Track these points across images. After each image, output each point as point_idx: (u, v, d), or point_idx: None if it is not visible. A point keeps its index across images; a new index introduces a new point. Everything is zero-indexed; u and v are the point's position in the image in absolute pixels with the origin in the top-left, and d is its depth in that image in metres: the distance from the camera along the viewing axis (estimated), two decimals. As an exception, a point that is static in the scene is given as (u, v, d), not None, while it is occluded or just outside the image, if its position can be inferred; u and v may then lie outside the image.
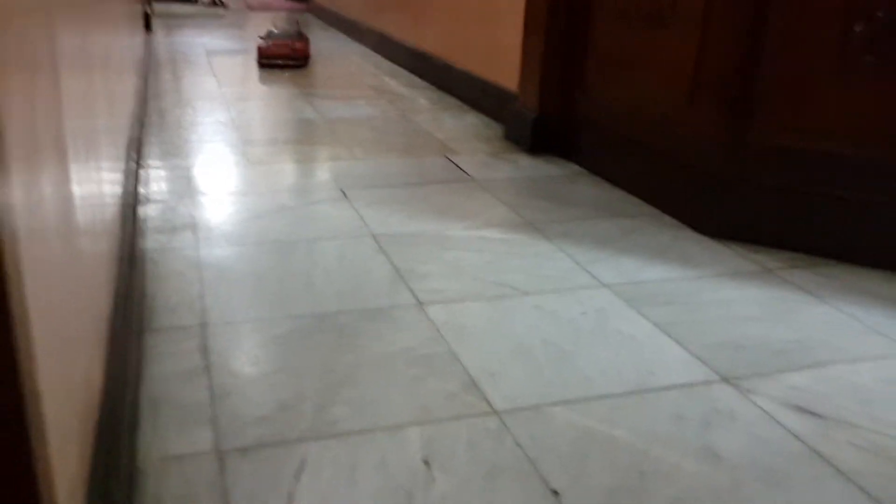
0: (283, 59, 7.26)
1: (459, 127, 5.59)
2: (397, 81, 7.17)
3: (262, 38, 7.46)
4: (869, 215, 3.25)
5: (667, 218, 3.81)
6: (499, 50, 5.54)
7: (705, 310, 2.87)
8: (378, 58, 8.56)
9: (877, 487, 1.95)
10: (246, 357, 2.44)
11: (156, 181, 4.13)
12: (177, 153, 4.67)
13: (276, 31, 7.65)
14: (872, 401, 2.32)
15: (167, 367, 2.34)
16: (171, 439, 2.01)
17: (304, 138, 5.08)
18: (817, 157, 3.31)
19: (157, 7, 11.99)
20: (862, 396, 2.34)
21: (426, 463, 1.95)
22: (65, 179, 1.51)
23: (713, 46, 3.56)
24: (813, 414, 2.24)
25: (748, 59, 3.39)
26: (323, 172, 4.37)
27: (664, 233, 3.64)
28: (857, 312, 2.87)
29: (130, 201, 3.38)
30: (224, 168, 4.45)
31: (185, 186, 4.06)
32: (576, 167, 4.65)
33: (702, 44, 3.62)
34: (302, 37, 7.74)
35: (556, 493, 1.87)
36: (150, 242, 3.27)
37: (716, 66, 3.55)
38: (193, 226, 3.47)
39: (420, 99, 6.46)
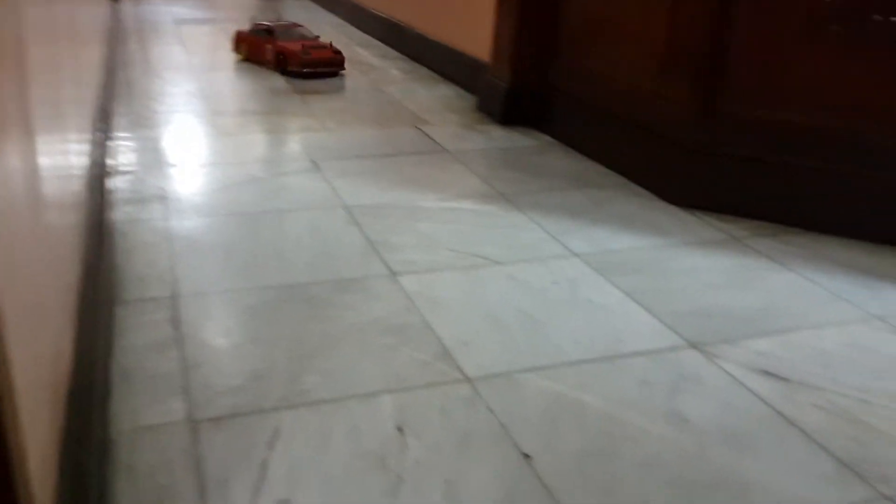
0: (325, 65, 5.85)
1: (432, 98, 5.56)
2: (370, 52, 7.11)
3: (253, 31, 6.20)
4: (834, 184, 3.30)
5: (637, 188, 3.84)
6: (472, 20, 5.50)
7: (673, 278, 2.91)
8: (351, 28, 8.46)
9: (839, 448, 2.01)
10: (217, 328, 2.44)
11: (124, 152, 4.07)
12: (145, 124, 4.60)
13: (268, 22, 6.24)
14: (835, 364, 2.38)
15: (138, 338, 2.33)
16: (143, 410, 2.01)
17: (274, 109, 5.03)
18: (785, 126, 3.35)
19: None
20: (825, 360, 2.40)
21: (399, 430, 1.97)
22: (31, 151, 1.49)
23: (684, 17, 3.57)
24: (778, 378, 2.30)
25: (718, 31, 3.41)
26: (294, 143, 4.33)
27: (634, 202, 3.67)
28: (820, 279, 2.92)
29: (99, 173, 3.34)
30: (193, 139, 4.40)
31: (153, 157, 4.01)
32: (548, 138, 4.66)
33: (673, 14, 3.63)
34: (305, 33, 6.20)
35: (527, 456, 1.90)
36: (119, 214, 3.24)
37: (687, 38, 3.56)
38: (163, 197, 3.44)
39: (392, 70, 6.41)
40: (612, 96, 4.11)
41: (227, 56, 6.55)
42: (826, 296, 2.80)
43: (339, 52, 5.93)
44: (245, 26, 6.52)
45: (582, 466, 1.89)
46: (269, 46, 5.92)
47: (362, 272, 2.82)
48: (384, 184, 3.75)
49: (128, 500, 1.70)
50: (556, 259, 3.01)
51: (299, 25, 6.22)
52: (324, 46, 5.92)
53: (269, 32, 6.00)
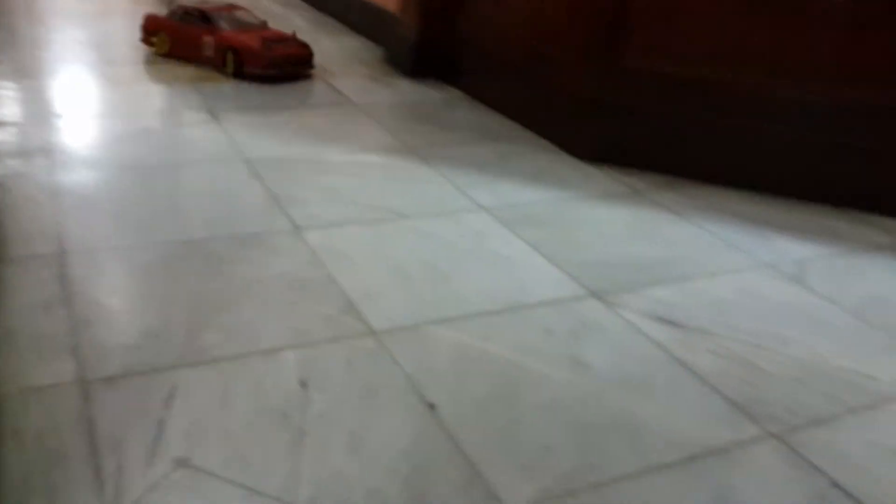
0: (293, 64, 4.59)
1: (338, 49, 5.43)
2: (272, 0, 6.87)
3: (177, 17, 4.72)
4: (732, 137, 3.40)
5: (544, 142, 3.86)
6: (376, -31, 5.38)
7: (577, 230, 2.95)
8: (251, -23, 8.15)
9: (731, 389, 2.09)
10: (109, 285, 2.33)
11: (6, 103, 3.81)
12: (29, 73, 4.31)
13: (194, 3, 4.79)
14: (729, 310, 2.47)
15: (23, 297, 2.20)
16: (29, 371, 1.90)
17: (169, 58, 4.80)
18: (685, 80, 3.41)
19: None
20: (720, 307, 2.49)
21: (303, 384, 1.94)
22: None
23: (587, -31, 3.58)
24: (674, 324, 2.37)
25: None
26: (191, 94, 4.16)
27: (540, 156, 3.69)
28: (717, 230, 3.02)
29: (-24, 124, 3.12)
30: (82, 89, 4.16)
31: (39, 109, 3.77)
32: (457, 92, 4.62)
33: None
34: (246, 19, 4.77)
35: (432, 406, 1.90)
36: (1, 168, 3.04)
37: (590, -9, 3.57)
38: (48, 150, 3.24)
39: (296, 19, 6.21)
40: (519, 50, 4.10)
41: (120, 2, 6.21)
42: (721, 245, 2.90)
43: (305, 45, 4.69)
44: (158, 7, 5.22)
45: (485, 413, 1.90)
46: (207, 39, 4.52)
47: (264, 227, 2.75)
48: (287, 136, 3.65)
49: (15, 465, 1.62)
50: (463, 212, 3.01)
51: (237, 7, 4.82)
52: (285, 38, 4.64)
53: (204, 19, 4.59)
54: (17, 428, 1.72)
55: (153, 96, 4.15)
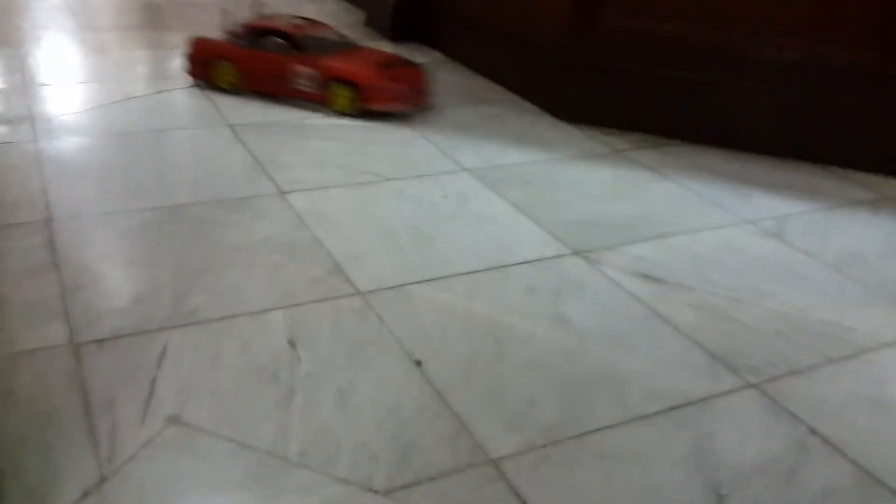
0: (418, 92, 3.69)
1: (320, 13, 5.33)
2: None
3: (248, 40, 3.63)
4: (711, 96, 3.42)
5: (526, 104, 3.87)
6: (357, -69, 5.31)
7: (559, 190, 2.99)
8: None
9: (709, 340, 2.14)
10: (96, 251, 2.35)
11: (-15, 71, 3.79)
12: (8, 41, 4.27)
13: (269, 21, 3.81)
14: (708, 266, 2.52)
15: (11, 264, 2.22)
16: (20, 335, 1.93)
17: (150, 23, 4.76)
18: (664, 39, 3.42)
19: None
20: (699, 262, 2.54)
21: (291, 344, 1.97)
22: None
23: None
24: (655, 280, 2.41)
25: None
26: (173, 60, 4.12)
27: (523, 118, 3.71)
28: (697, 187, 3.06)
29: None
30: (63, 56, 4.13)
31: (19, 77, 3.74)
32: (439, 55, 4.61)
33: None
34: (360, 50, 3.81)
35: (418, 363, 1.94)
36: (-16, 137, 3.04)
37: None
38: (31, 118, 3.23)
39: (276, -16, 6.14)
40: (499, 12, 4.09)
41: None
42: (701, 203, 2.94)
43: (418, 66, 3.78)
44: (206, 28, 4.07)
45: (470, 369, 1.95)
46: (301, 69, 3.53)
47: (249, 191, 2.76)
48: (270, 100, 3.64)
49: (10, 425, 1.65)
50: (447, 174, 3.03)
51: (317, 23, 3.93)
52: (396, 61, 3.80)
53: (291, 43, 3.57)
54: (9, 389, 1.75)
55: (134, 63, 4.12)
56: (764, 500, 1.67)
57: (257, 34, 3.60)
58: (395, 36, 4.82)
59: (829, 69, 3.17)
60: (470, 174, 3.03)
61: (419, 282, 2.30)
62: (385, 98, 3.50)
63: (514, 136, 3.45)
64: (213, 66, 3.64)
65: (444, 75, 4.28)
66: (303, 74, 3.50)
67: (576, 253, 2.52)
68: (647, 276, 2.43)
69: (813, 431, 1.85)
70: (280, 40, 3.57)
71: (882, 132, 3.20)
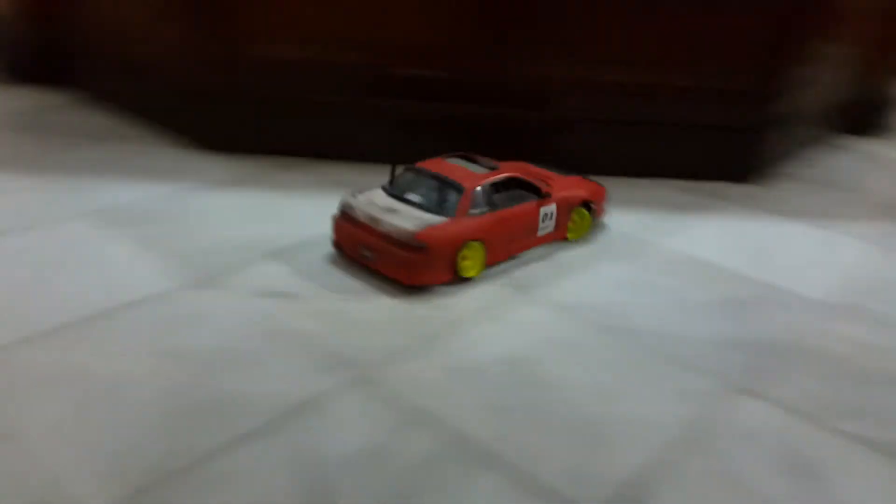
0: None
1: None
2: None
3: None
4: (327, 113, 3.58)
5: (163, 137, 3.81)
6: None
7: (191, 220, 2.97)
8: None
9: (318, 345, 2.25)
10: None
11: None
12: None
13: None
14: (317, 275, 2.64)
15: None
16: None
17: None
18: (286, 64, 3.53)
19: None
20: (316, 271, 2.66)
21: None
22: None
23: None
24: (276, 295, 2.49)
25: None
26: None
27: (160, 152, 3.64)
28: (325, 200, 3.17)
29: None
30: None
31: None
32: (76, 93, 4.38)
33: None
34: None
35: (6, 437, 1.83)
36: None
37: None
38: None
39: None
40: (131, 47, 3.98)
41: None
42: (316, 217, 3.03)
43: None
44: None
45: (67, 430, 1.86)
46: (546, 209, 3.16)
47: None
48: None
49: None
50: (68, 220, 2.90)
51: (481, 157, 3.22)
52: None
53: (518, 188, 3.10)
54: None
55: None
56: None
57: (496, 190, 3.00)
58: (28, 77, 4.55)
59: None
60: (95, 216, 2.93)
61: (20, 340, 2.16)
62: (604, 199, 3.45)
63: (146, 171, 3.38)
64: (462, 253, 2.81)
65: (78, 115, 4.09)
66: (549, 214, 3.16)
67: (200, 282, 2.53)
68: (268, 293, 2.49)
69: (417, 408, 2.01)
70: (510, 191, 3.05)
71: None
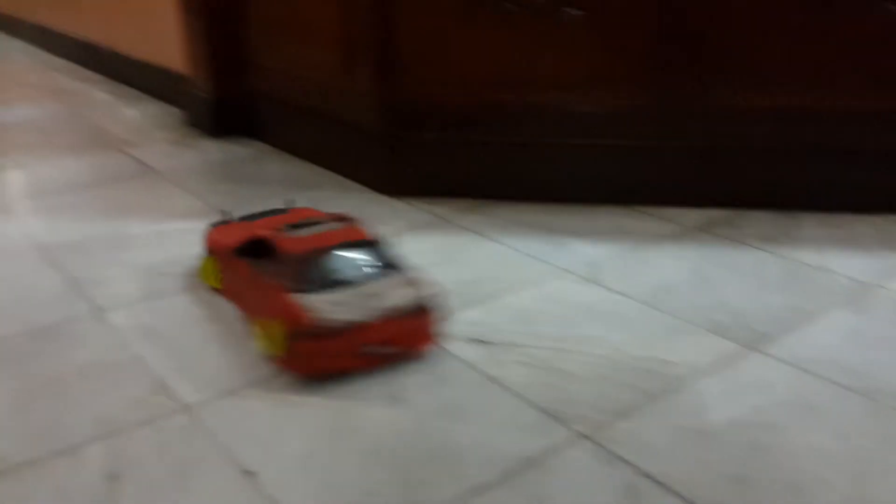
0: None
1: (138, 118, 5.29)
2: (68, 77, 6.60)
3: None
4: (514, 155, 3.58)
5: (350, 183, 3.92)
6: (161, 31, 5.28)
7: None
8: (44, 53, 7.78)
9: (539, 396, 2.19)
10: None
11: None
12: None
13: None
14: (533, 320, 2.60)
15: None
16: None
17: (-49, 151, 4.51)
18: (464, 106, 3.57)
19: None
20: (524, 318, 2.61)
21: (112, 478, 1.86)
22: None
23: (352, 9, 3.67)
24: (484, 342, 2.46)
25: (386, 22, 3.54)
26: None
27: (349, 197, 3.75)
28: (516, 244, 3.17)
29: None
30: None
31: None
32: (262, 145, 4.62)
33: (342, 6, 3.72)
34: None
35: (250, 473, 1.88)
36: None
37: (358, 30, 3.67)
38: None
39: (96, 92, 6.00)
40: (309, 95, 4.15)
41: None
42: (521, 258, 3.05)
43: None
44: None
45: (304, 469, 1.90)
46: None
47: (62, 315, 2.63)
48: (86, 216, 3.52)
49: None
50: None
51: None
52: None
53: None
54: None
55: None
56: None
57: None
58: (217, 132, 4.81)
59: (614, 116, 3.41)
60: (297, 263, 3.01)
61: (248, 385, 2.25)
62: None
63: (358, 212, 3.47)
64: None
65: (268, 165, 4.29)
66: None
67: (405, 328, 2.54)
68: (475, 340, 2.47)
69: (642, 473, 1.90)
70: None
71: (671, 167, 3.43)
